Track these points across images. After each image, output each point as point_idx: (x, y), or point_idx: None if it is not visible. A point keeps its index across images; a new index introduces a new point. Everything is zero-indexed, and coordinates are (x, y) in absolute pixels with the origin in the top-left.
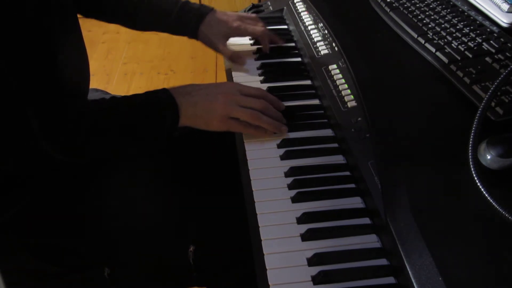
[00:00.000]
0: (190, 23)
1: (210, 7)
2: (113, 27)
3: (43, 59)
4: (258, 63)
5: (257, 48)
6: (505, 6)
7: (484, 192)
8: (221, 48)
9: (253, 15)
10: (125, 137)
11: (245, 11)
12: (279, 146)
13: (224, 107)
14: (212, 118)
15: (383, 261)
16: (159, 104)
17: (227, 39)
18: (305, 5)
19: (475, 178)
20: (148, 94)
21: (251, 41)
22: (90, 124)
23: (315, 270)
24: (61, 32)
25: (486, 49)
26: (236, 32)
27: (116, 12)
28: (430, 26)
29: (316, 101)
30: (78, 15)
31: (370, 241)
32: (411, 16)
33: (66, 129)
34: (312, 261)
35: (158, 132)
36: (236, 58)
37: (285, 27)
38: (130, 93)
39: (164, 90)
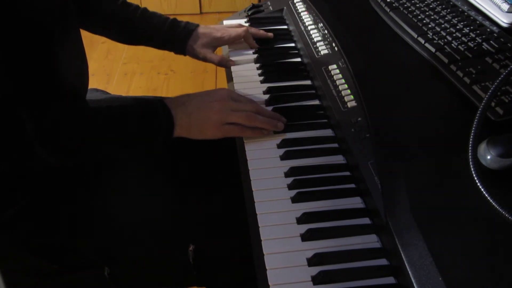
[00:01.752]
0: (179, 40)
1: (195, 24)
2: None
3: (41, 60)
4: (258, 63)
5: (257, 49)
6: (505, 6)
7: (484, 192)
8: (209, 57)
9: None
10: (119, 145)
11: (245, 11)
12: (279, 146)
13: (219, 114)
14: (207, 126)
15: (383, 261)
16: (154, 114)
17: (214, 50)
18: (305, 5)
19: (475, 178)
20: (144, 103)
21: None
22: (84, 130)
23: (315, 270)
24: (60, 34)
25: (486, 49)
26: (221, 41)
27: (108, 25)
28: (430, 26)
29: (316, 101)
30: None
31: (370, 241)
32: (411, 16)
33: (59, 133)
34: (312, 261)
35: (152, 141)
36: (224, 62)
37: (285, 27)
38: (130, 93)
39: (160, 101)
